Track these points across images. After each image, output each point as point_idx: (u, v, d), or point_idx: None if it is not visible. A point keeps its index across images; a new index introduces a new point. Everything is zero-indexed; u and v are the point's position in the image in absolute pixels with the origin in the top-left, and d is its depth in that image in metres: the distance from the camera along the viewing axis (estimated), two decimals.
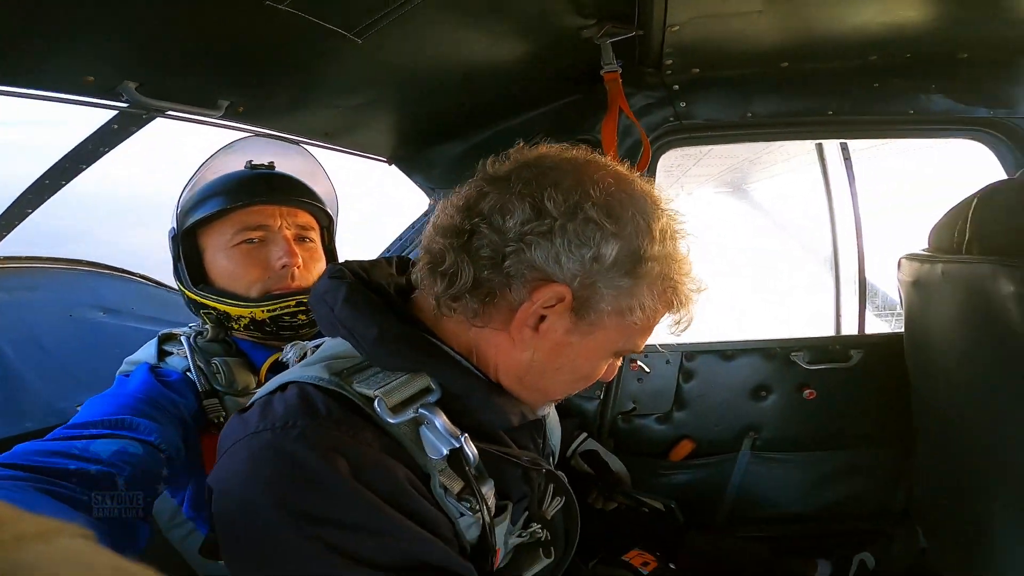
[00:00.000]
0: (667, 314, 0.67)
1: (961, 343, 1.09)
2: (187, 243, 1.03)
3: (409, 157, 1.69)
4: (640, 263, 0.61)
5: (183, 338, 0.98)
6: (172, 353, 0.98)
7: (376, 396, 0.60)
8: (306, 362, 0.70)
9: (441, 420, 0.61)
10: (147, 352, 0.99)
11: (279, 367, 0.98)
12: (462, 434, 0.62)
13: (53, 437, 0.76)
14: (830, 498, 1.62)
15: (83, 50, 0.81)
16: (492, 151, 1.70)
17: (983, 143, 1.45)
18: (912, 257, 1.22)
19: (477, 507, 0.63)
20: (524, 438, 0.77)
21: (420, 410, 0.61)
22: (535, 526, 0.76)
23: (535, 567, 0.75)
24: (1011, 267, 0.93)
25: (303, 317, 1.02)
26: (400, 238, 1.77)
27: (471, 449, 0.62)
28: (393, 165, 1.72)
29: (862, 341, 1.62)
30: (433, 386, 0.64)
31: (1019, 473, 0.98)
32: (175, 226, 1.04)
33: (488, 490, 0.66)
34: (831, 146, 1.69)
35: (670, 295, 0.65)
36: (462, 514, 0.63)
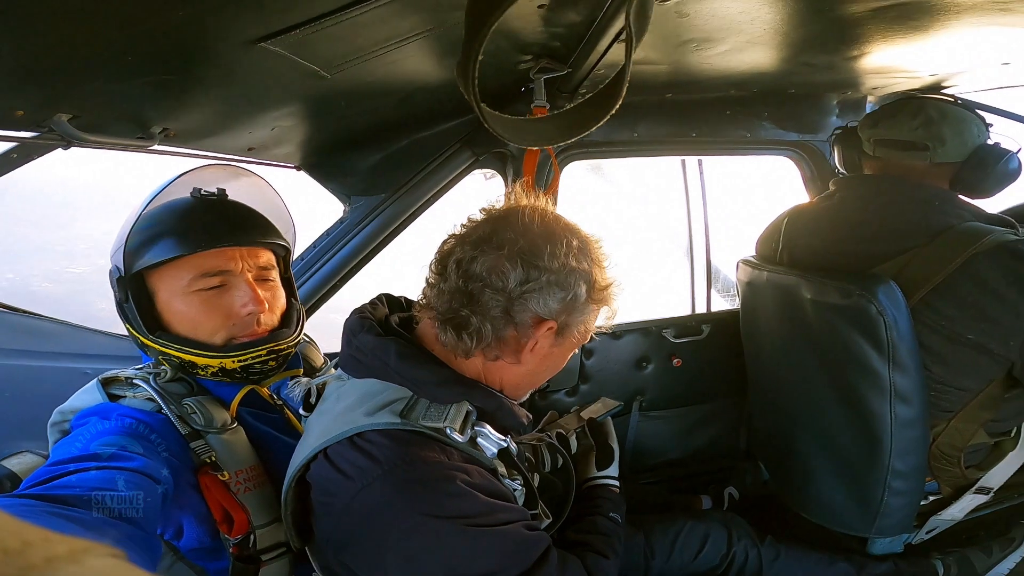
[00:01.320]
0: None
1: (778, 327, 1.48)
2: (134, 284, 0.95)
3: (322, 164, 1.67)
4: (597, 291, 0.86)
5: (143, 382, 0.92)
6: (124, 396, 0.92)
7: (447, 427, 0.81)
8: (361, 410, 0.83)
9: (490, 430, 0.84)
10: (88, 398, 0.91)
11: (253, 400, 1.02)
12: (507, 436, 0.86)
13: (37, 477, 0.72)
14: (699, 443, 2.01)
15: (10, 83, 0.72)
16: (407, 160, 1.76)
17: (794, 161, 1.93)
18: (746, 263, 1.59)
19: (523, 483, 0.90)
20: (523, 428, 1.01)
21: (475, 427, 0.84)
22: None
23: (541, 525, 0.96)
24: (809, 280, 1.30)
25: (273, 363, 1.02)
26: (315, 246, 1.74)
27: (514, 445, 0.88)
28: (303, 171, 1.68)
29: (710, 318, 1.99)
30: (471, 408, 0.84)
31: (818, 416, 1.38)
32: (120, 266, 0.95)
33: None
34: (691, 161, 2.08)
35: (610, 302, 0.90)
36: (515, 489, 0.88)
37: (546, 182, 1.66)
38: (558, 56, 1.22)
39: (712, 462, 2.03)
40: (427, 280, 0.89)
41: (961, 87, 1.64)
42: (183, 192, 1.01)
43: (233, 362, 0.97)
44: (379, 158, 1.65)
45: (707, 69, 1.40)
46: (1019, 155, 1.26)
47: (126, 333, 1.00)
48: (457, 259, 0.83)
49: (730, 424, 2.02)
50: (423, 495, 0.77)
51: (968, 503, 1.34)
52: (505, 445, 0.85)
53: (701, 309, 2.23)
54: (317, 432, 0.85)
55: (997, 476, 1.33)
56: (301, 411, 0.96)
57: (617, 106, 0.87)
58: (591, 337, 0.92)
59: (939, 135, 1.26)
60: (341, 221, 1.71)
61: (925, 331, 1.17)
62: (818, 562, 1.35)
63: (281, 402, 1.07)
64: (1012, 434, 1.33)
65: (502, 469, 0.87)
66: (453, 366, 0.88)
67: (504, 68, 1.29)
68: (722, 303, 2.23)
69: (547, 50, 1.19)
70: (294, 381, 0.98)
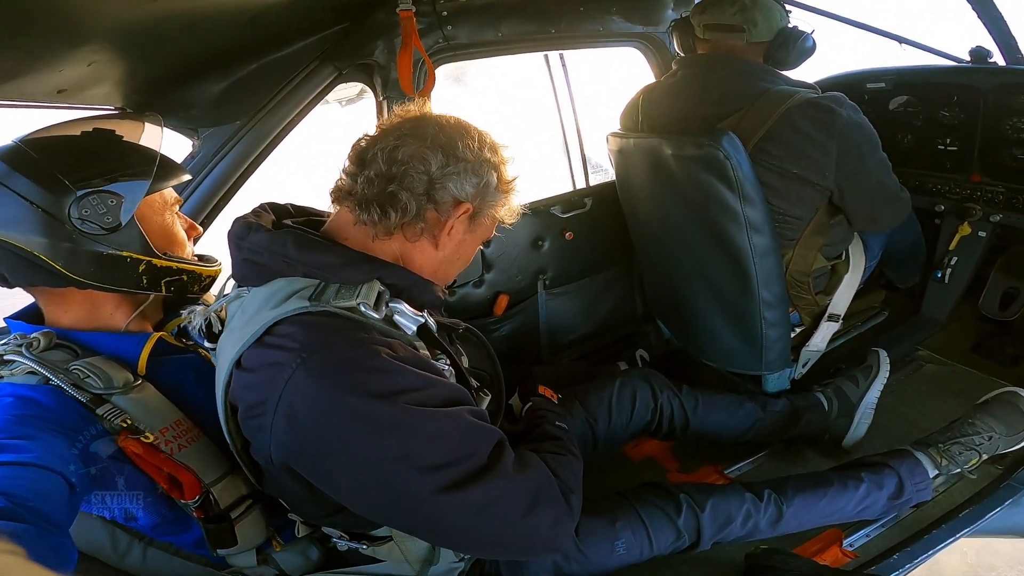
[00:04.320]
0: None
1: (649, 184, 1.66)
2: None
3: (155, 103, 1.44)
4: (504, 183, 0.91)
5: (16, 356, 0.81)
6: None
7: (359, 303, 0.79)
8: (268, 305, 0.79)
9: (405, 306, 0.83)
10: None
11: (164, 349, 0.96)
12: (423, 311, 0.86)
13: None
14: (603, 313, 2.18)
15: None
16: (261, 83, 1.62)
17: (640, 51, 2.09)
18: (615, 135, 1.74)
19: (448, 361, 0.90)
20: (440, 306, 1.02)
21: (389, 304, 0.82)
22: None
23: (483, 404, 0.99)
24: (668, 140, 1.49)
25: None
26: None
27: (432, 321, 0.88)
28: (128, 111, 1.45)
29: (590, 191, 2.11)
30: (383, 288, 0.83)
31: (697, 259, 1.60)
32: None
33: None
34: (554, 56, 2.15)
35: (512, 196, 0.95)
36: (443, 368, 0.87)
37: (419, 86, 1.63)
38: None
39: (619, 329, 2.24)
40: (343, 172, 0.88)
41: None
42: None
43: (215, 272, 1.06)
44: (225, 85, 1.49)
45: None
46: (812, 35, 1.52)
47: None
48: (382, 147, 0.84)
49: (626, 289, 2.22)
50: (349, 376, 0.72)
51: (826, 331, 1.65)
52: (423, 321, 0.84)
53: (581, 186, 2.37)
54: (228, 348, 0.82)
55: (841, 300, 1.66)
56: (206, 344, 0.92)
57: None
58: (494, 231, 0.96)
59: (752, 19, 1.49)
60: (192, 156, 1.55)
61: (762, 170, 1.40)
62: (730, 403, 1.54)
63: (193, 342, 1.00)
64: (843, 258, 1.68)
65: (425, 350, 0.86)
66: (368, 250, 0.86)
67: None
68: (597, 179, 2.40)
69: None
70: (188, 312, 0.93)
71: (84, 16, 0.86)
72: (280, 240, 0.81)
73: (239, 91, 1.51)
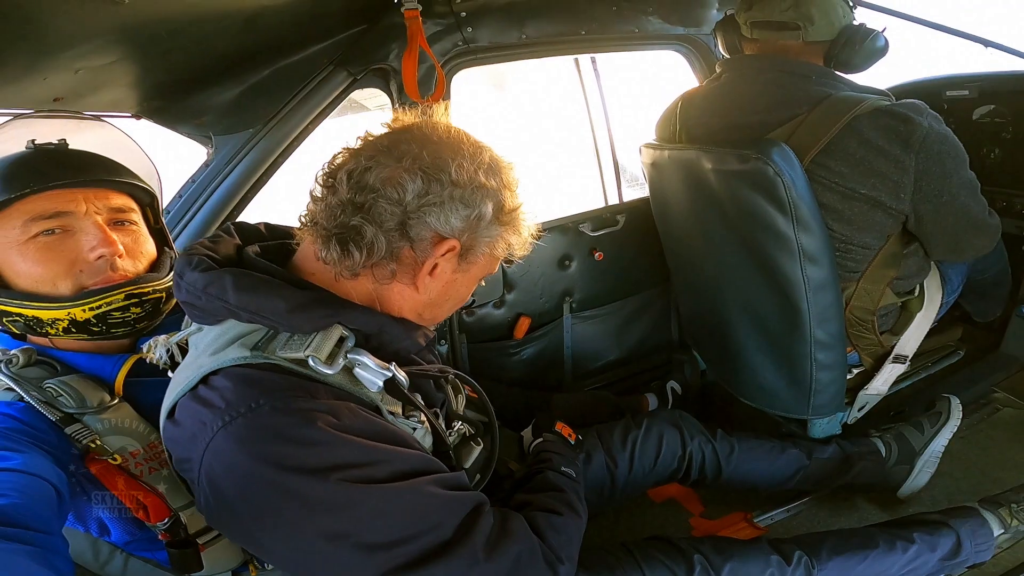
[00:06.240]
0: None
1: (686, 202, 1.50)
2: None
3: (167, 108, 1.43)
4: (505, 213, 0.77)
5: None
6: None
7: (308, 356, 0.68)
8: (209, 351, 0.70)
9: (369, 358, 0.72)
10: None
11: (144, 370, 0.90)
12: (391, 364, 0.74)
13: None
14: (634, 340, 2.03)
15: None
16: (274, 89, 1.57)
17: (682, 54, 1.93)
18: (648, 145, 1.59)
19: (422, 418, 0.76)
20: (427, 354, 0.90)
21: (349, 356, 0.71)
22: (456, 423, 0.89)
23: (472, 456, 0.88)
24: (707, 152, 1.32)
25: (136, 310, 0.89)
26: (180, 196, 1.54)
27: (401, 375, 0.75)
28: (143, 119, 1.43)
29: (623, 208, 1.96)
30: (346, 333, 0.72)
31: (739, 287, 1.42)
32: None
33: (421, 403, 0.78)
34: (584, 59, 2.02)
35: (519, 227, 0.81)
36: (414, 428, 0.76)
37: (430, 93, 1.54)
38: None
39: (650, 358, 2.08)
40: (311, 195, 0.76)
41: None
42: (18, 148, 0.90)
43: (84, 311, 0.85)
44: (239, 91, 1.46)
45: None
46: (884, 33, 1.31)
47: None
48: (349, 170, 0.72)
49: (660, 315, 2.07)
50: (272, 446, 0.63)
51: (889, 374, 1.44)
52: (389, 375, 0.72)
53: (614, 201, 2.22)
54: (168, 392, 0.75)
55: (910, 341, 1.44)
56: (170, 374, 0.84)
57: None
58: (500, 267, 0.83)
59: (808, 15, 1.31)
60: (206, 164, 1.53)
61: (821, 190, 1.22)
62: (770, 451, 1.39)
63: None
64: (916, 293, 1.45)
65: (395, 408, 0.75)
66: (334, 291, 0.75)
67: None
68: (632, 193, 2.24)
69: None
70: (151, 343, 0.85)
71: (75, 23, 0.83)
72: (218, 281, 0.71)
73: (253, 97, 1.48)
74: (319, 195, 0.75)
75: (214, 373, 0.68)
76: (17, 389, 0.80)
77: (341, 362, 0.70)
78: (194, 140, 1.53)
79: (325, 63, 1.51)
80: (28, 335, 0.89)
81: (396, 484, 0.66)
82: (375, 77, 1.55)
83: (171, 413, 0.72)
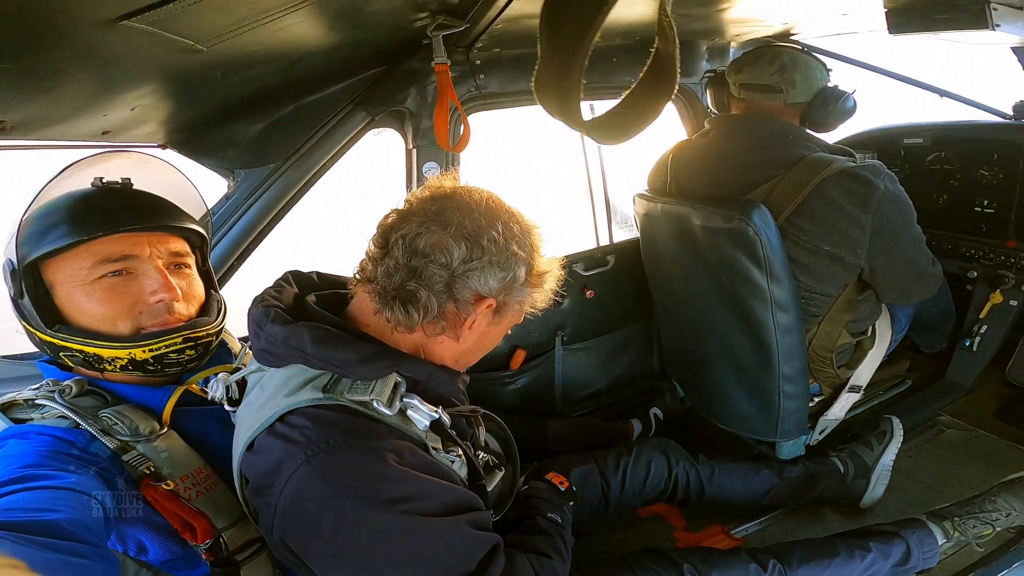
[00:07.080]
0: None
1: (675, 252, 1.65)
2: (29, 277, 0.87)
3: (194, 140, 1.48)
4: (535, 275, 0.88)
5: (48, 401, 0.85)
6: (30, 419, 0.85)
7: (372, 399, 0.79)
8: (282, 392, 0.80)
9: (420, 401, 0.83)
10: None
11: (190, 400, 0.97)
12: (438, 407, 0.85)
13: None
14: (619, 370, 2.16)
15: None
16: (296, 126, 1.65)
17: (672, 103, 2.07)
18: (642, 196, 1.73)
19: (460, 453, 0.89)
20: (460, 395, 1.01)
21: (404, 399, 0.82)
22: (481, 454, 1.02)
23: (496, 479, 1.01)
24: (696, 209, 1.47)
25: (191, 352, 0.95)
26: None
27: (445, 416, 0.87)
28: (169, 149, 1.49)
29: (613, 249, 2.08)
30: (400, 379, 0.83)
31: (718, 330, 1.58)
32: (13, 259, 0.88)
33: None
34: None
35: (545, 284, 0.92)
36: (452, 462, 0.88)
37: (456, 138, 1.62)
38: (455, 12, 1.18)
39: (634, 386, 2.21)
40: (367, 254, 0.86)
41: (806, 34, 1.88)
42: (84, 184, 0.94)
43: (144, 351, 0.90)
44: (263, 127, 1.52)
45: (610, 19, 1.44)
46: (853, 95, 1.49)
47: (14, 354, 0.90)
48: (402, 234, 0.81)
49: (643, 347, 2.21)
50: (352, 480, 0.74)
51: (846, 402, 1.64)
52: (437, 417, 0.84)
53: (605, 242, 2.36)
54: (245, 426, 0.83)
55: (864, 373, 1.64)
56: (227, 408, 0.93)
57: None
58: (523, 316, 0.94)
59: (791, 79, 1.47)
60: (227, 197, 1.57)
61: (791, 245, 1.38)
62: (746, 472, 1.55)
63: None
64: (868, 333, 1.65)
65: (436, 444, 0.86)
66: (388, 341, 0.86)
67: (400, 26, 1.23)
68: (621, 234, 2.38)
69: (444, 6, 1.15)
70: (214, 380, 0.93)
71: (133, 65, 0.88)
72: (297, 335, 0.81)
73: (275, 133, 1.54)
74: (374, 254, 0.84)
75: (291, 412, 0.78)
76: (73, 416, 0.84)
77: (398, 405, 0.80)
78: (216, 172, 1.56)
79: (345, 102, 1.57)
80: (80, 367, 0.93)
81: (442, 519, 0.77)
82: (391, 119, 1.63)
83: (250, 446, 0.81)
